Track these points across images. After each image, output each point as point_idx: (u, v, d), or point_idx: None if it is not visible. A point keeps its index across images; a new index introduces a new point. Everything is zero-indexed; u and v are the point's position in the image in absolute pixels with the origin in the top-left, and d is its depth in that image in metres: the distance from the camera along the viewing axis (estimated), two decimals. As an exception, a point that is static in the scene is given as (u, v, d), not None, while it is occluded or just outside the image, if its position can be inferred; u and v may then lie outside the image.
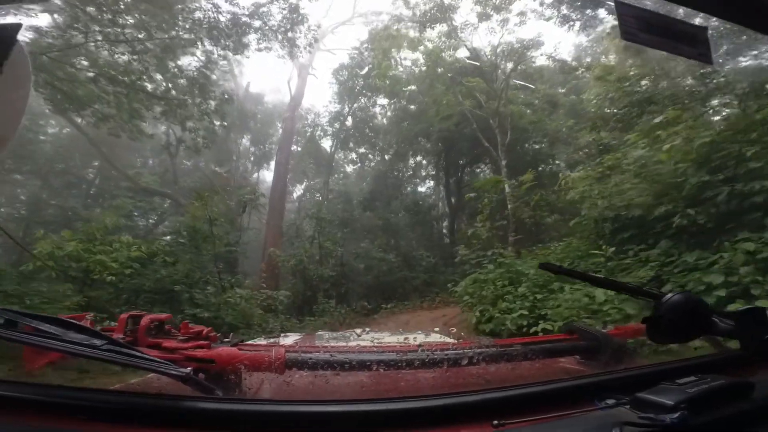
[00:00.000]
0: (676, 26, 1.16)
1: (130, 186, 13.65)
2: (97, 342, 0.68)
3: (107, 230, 7.83)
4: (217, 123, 12.28)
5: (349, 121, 19.17)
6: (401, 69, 15.62)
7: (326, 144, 20.28)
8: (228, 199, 14.00)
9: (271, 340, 1.88)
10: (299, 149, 20.53)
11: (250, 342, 1.23)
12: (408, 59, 15.38)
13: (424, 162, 19.01)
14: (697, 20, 1.64)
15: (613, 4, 1.09)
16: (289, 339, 1.95)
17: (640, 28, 1.10)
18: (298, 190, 21.67)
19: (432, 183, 19.57)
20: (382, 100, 18.28)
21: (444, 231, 18.12)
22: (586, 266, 6.31)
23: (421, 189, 20.03)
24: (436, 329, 2.09)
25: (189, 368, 0.68)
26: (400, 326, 9.95)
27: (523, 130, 13.20)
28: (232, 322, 8.08)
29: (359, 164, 20.94)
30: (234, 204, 13.87)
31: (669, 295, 0.77)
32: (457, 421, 0.66)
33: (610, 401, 0.68)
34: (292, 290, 13.51)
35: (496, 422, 0.63)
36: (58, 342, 0.67)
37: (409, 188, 19.28)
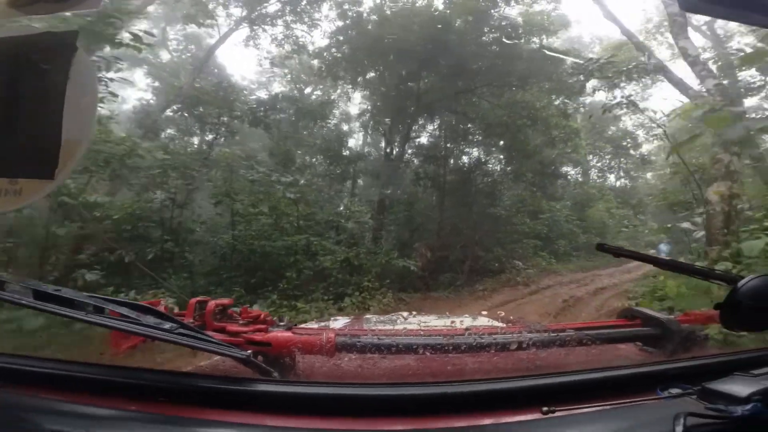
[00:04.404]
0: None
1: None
2: (171, 326, 0.74)
3: None
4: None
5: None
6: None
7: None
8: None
9: (322, 324, 1.96)
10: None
11: (303, 325, 1.29)
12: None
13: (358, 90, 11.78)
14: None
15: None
16: (339, 323, 2.02)
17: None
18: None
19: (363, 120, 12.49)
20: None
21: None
22: None
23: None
24: (483, 312, 2.01)
25: (249, 351, 0.73)
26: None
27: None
28: None
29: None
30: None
31: (746, 279, 0.70)
32: (503, 406, 0.65)
33: (675, 390, 0.64)
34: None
35: (545, 408, 0.62)
36: (138, 326, 0.73)
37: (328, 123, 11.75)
